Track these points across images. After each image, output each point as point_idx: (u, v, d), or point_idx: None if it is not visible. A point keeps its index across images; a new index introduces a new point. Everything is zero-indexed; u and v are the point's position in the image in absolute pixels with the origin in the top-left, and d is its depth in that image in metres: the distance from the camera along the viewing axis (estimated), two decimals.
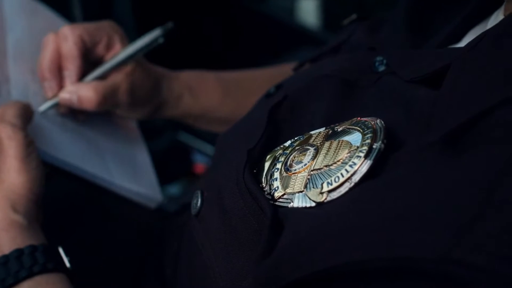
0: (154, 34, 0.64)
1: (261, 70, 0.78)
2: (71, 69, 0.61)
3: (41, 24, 0.69)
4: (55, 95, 0.62)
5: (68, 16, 0.75)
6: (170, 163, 1.08)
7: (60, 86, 0.62)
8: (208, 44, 1.54)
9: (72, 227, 0.68)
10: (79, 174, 0.61)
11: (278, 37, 1.55)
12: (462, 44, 0.48)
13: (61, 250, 0.52)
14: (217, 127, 0.76)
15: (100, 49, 0.64)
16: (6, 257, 0.48)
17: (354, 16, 0.61)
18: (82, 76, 0.63)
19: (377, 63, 0.48)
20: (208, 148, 1.09)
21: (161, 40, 0.64)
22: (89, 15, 0.97)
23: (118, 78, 0.63)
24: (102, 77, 0.63)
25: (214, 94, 0.72)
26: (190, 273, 0.50)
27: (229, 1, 1.56)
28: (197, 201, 0.48)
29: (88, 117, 0.66)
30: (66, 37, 0.61)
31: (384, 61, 0.47)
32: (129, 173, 0.67)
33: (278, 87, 0.56)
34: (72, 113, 0.64)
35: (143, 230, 0.75)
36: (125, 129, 0.70)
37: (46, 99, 0.62)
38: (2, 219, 0.50)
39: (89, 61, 0.64)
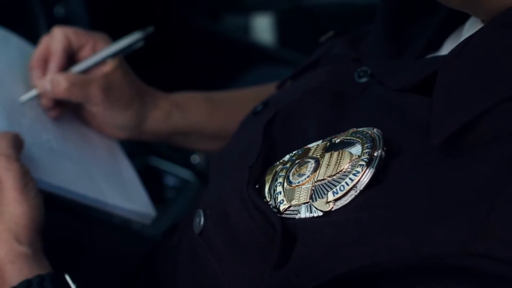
0: (134, 37, 0.68)
1: (245, 89, 0.81)
2: (53, 61, 0.67)
3: (14, 53, 0.70)
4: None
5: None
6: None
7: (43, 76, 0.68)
8: (163, 66, 1.55)
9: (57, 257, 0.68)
10: (72, 198, 0.61)
11: (235, 56, 1.57)
12: (443, 51, 0.51)
13: (68, 278, 0.52)
14: (205, 144, 0.78)
15: (85, 51, 0.69)
16: None
17: (331, 33, 0.63)
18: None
19: (359, 74, 0.51)
20: (179, 171, 1.10)
21: (140, 44, 0.68)
22: None
23: (94, 74, 0.68)
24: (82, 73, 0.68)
25: (202, 111, 0.75)
26: None
27: (182, 22, 1.57)
28: (200, 220, 0.49)
29: (71, 134, 0.67)
30: (54, 36, 0.68)
31: (368, 72, 0.50)
32: (120, 191, 0.68)
33: (265, 104, 0.58)
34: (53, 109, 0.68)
35: (130, 256, 0.76)
36: (108, 148, 0.71)
37: (29, 127, 0.63)
38: (8, 251, 0.50)
39: (75, 62, 0.69)
